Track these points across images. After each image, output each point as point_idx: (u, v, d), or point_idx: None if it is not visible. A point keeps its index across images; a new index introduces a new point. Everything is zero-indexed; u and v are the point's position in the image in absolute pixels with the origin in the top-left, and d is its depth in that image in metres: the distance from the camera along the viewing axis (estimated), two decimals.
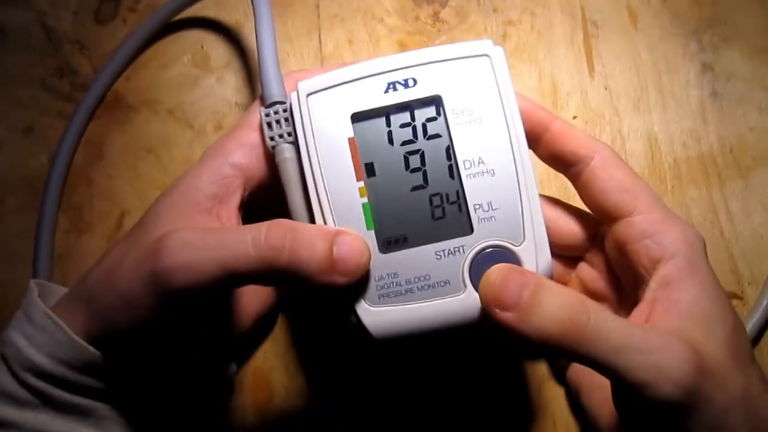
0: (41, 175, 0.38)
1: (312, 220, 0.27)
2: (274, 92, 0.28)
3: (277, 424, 0.35)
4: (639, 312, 0.26)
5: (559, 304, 0.23)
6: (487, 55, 0.27)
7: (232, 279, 0.23)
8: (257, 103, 0.29)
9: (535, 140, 0.29)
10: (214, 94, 0.39)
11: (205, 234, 0.24)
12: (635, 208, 0.27)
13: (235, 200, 0.27)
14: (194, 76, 0.40)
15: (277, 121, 0.27)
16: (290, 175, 0.27)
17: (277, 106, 0.28)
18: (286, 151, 0.27)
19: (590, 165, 0.28)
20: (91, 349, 0.25)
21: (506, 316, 0.23)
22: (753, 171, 0.37)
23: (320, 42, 0.40)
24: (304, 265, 0.23)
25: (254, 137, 0.28)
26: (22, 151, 0.39)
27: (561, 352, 0.23)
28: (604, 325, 0.23)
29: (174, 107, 0.39)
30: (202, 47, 0.40)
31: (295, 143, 0.27)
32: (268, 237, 0.23)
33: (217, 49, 0.40)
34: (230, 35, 0.40)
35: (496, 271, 0.24)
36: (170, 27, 0.40)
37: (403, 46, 0.40)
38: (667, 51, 0.39)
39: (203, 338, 0.29)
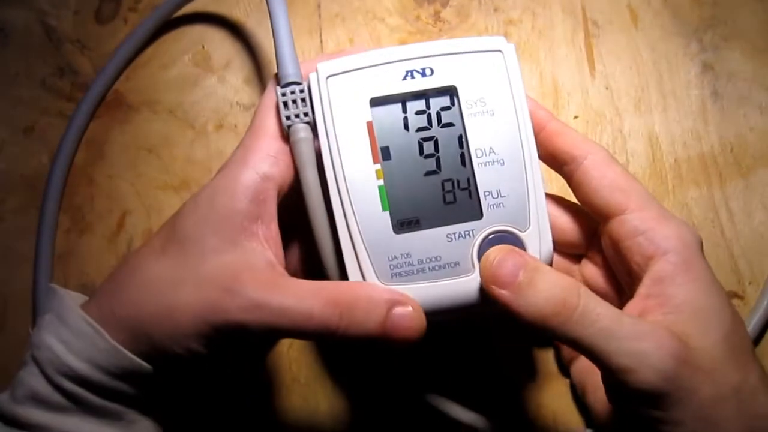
0: (42, 174, 0.38)
1: (326, 199, 0.27)
2: (289, 72, 0.28)
3: (289, 422, 0.35)
4: (632, 307, 0.26)
5: (551, 287, 0.24)
6: (500, 51, 0.28)
7: (288, 336, 0.26)
8: (266, 106, 0.29)
9: None
10: (215, 93, 0.39)
11: (270, 293, 0.25)
12: (627, 206, 0.27)
13: (273, 216, 0.27)
14: (195, 75, 0.40)
15: (293, 101, 0.28)
16: (305, 155, 0.27)
17: (293, 86, 0.28)
18: (301, 131, 0.27)
19: (583, 164, 0.28)
20: (139, 360, 0.25)
21: (502, 293, 0.24)
22: (754, 171, 0.37)
23: (321, 41, 0.40)
24: (354, 337, 0.25)
25: (276, 145, 0.28)
26: (22, 150, 0.39)
27: (550, 333, 0.24)
28: (593, 310, 0.24)
29: (175, 107, 0.39)
30: (203, 47, 0.40)
31: (311, 124, 0.28)
32: (325, 315, 0.25)
33: (217, 48, 0.40)
34: (231, 35, 0.40)
35: (496, 251, 0.26)
36: (170, 26, 0.40)
37: None
38: (668, 51, 0.39)
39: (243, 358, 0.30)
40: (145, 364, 0.25)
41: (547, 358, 0.35)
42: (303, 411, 0.35)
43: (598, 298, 0.24)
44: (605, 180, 0.28)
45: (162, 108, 0.39)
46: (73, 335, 0.25)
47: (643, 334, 0.23)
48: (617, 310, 0.24)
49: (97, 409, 0.26)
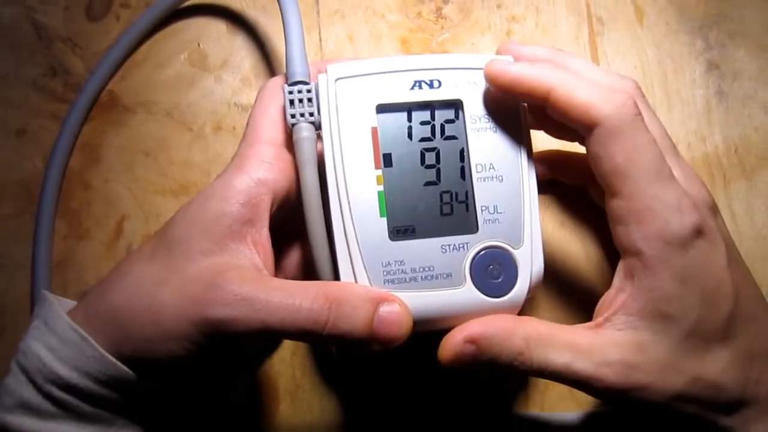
0: (37, 179, 0.37)
1: (325, 200, 0.27)
2: (298, 71, 0.28)
3: (293, 430, 0.35)
4: (608, 298, 0.27)
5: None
6: None
7: (276, 335, 0.26)
8: (259, 112, 0.29)
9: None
10: (212, 94, 0.38)
11: (256, 288, 0.25)
12: (620, 191, 0.26)
13: (265, 221, 0.27)
14: (191, 75, 0.39)
15: (300, 101, 0.28)
16: (306, 155, 0.27)
17: (301, 85, 0.28)
18: (304, 131, 0.28)
19: (588, 140, 0.26)
20: (124, 367, 0.25)
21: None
22: (757, 172, 0.37)
23: (320, 39, 0.39)
24: (343, 336, 0.25)
25: (271, 152, 0.28)
26: (15, 154, 0.38)
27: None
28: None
29: (171, 108, 0.38)
30: (199, 45, 0.39)
31: (315, 124, 0.28)
32: (314, 310, 0.25)
33: (213, 47, 0.39)
34: (226, 33, 0.39)
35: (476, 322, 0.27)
36: (164, 24, 0.39)
37: (405, 43, 0.39)
38: (673, 49, 0.38)
39: (233, 363, 0.29)
40: (130, 372, 0.25)
41: None
42: (306, 418, 0.35)
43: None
44: (604, 162, 0.26)
45: (158, 109, 0.38)
46: (60, 343, 0.25)
47: (584, 354, 0.25)
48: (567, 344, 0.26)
49: (88, 416, 0.26)
